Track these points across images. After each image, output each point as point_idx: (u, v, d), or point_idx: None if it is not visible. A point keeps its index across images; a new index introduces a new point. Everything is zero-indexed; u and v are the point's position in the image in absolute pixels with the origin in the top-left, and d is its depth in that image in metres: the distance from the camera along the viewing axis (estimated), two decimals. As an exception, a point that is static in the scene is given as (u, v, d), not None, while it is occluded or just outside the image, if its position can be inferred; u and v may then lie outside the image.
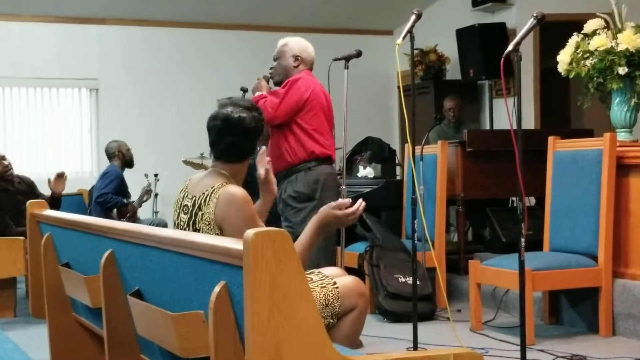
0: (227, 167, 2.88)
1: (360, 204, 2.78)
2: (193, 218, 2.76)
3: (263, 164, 3.00)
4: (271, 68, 4.50)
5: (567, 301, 4.85)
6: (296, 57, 4.40)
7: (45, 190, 6.23)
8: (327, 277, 3.18)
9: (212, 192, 2.74)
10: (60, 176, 6.08)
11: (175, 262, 2.20)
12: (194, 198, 2.79)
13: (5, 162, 6.02)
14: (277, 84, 4.48)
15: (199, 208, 2.74)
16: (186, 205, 2.82)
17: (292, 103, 4.21)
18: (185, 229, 2.78)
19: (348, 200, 2.78)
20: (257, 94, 4.37)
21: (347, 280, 3.18)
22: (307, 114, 4.24)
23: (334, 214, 2.75)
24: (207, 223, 2.71)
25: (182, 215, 2.83)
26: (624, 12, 4.78)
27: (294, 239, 4.01)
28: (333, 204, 2.78)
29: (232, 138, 2.86)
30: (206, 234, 2.71)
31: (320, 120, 4.34)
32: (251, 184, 3.13)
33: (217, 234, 2.70)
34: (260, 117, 2.93)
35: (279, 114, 4.23)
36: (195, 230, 2.74)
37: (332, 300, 3.07)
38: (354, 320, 3.13)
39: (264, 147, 3.15)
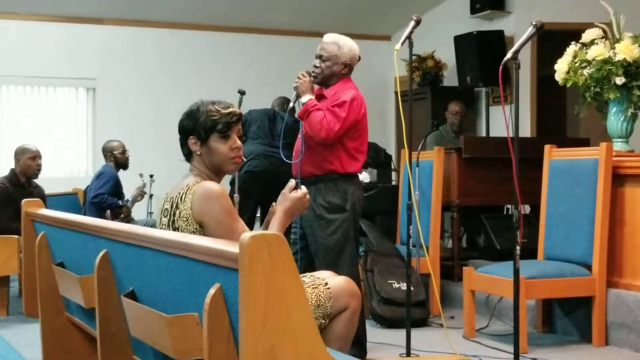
0: (195, 167, 2.90)
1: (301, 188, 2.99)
2: (172, 218, 2.77)
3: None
4: (316, 67, 4.14)
5: (561, 310, 4.85)
6: (346, 64, 4.14)
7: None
8: (319, 278, 3.18)
9: (187, 190, 2.77)
10: None
11: (170, 264, 2.20)
12: (171, 200, 2.81)
13: (40, 162, 6.03)
14: (317, 83, 4.17)
15: (177, 207, 2.76)
16: (166, 209, 2.83)
17: (348, 125, 4.00)
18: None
19: (293, 182, 2.95)
20: (306, 97, 4.05)
21: (338, 281, 3.18)
22: (354, 133, 4.06)
23: (294, 197, 2.91)
24: (184, 220, 2.72)
25: (163, 219, 2.83)
26: (622, 22, 4.79)
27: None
28: (286, 190, 2.93)
29: (180, 140, 3.00)
30: (184, 230, 2.72)
31: (363, 140, 4.16)
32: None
33: (196, 229, 2.71)
34: (190, 116, 2.93)
35: (336, 137, 4.00)
36: (174, 229, 2.75)
37: (323, 300, 3.06)
38: (346, 320, 3.12)
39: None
